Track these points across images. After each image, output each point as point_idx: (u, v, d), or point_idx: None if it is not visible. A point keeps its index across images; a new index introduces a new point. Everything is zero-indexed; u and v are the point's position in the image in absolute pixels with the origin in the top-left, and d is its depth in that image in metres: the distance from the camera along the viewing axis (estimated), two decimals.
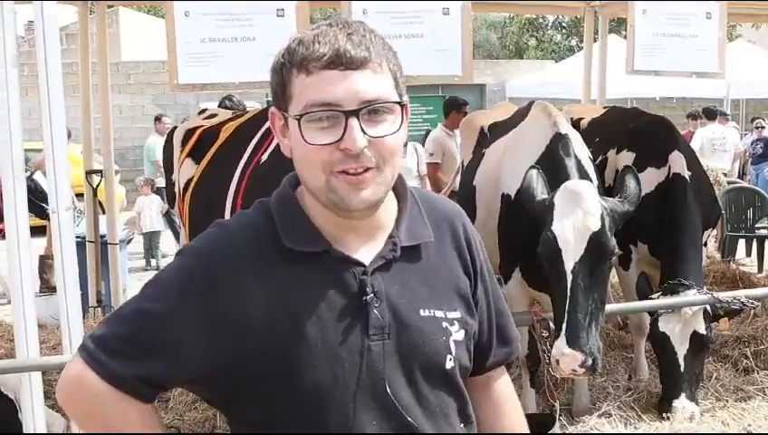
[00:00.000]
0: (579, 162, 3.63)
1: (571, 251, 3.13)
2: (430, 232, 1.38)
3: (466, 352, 1.38)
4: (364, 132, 1.23)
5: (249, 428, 1.32)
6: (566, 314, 3.10)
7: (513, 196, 3.73)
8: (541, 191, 3.33)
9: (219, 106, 7.55)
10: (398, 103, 1.28)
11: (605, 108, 5.31)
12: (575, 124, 4.54)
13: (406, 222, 1.36)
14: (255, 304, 1.26)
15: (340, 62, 1.23)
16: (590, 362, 3.05)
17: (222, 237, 1.33)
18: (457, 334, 1.35)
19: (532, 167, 3.43)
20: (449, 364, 1.34)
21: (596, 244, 3.13)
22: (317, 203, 1.30)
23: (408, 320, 1.31)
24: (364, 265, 1.30)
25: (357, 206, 1.27)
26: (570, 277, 3.12)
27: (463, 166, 5.13)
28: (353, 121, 1.22)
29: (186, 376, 1.29)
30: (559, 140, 3.67)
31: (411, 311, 1.32)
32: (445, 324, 1.34)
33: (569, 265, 3.13)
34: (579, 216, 3.14)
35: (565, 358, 3.04)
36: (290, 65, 1.26)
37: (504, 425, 1.50)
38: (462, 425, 1.38)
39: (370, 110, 1.24)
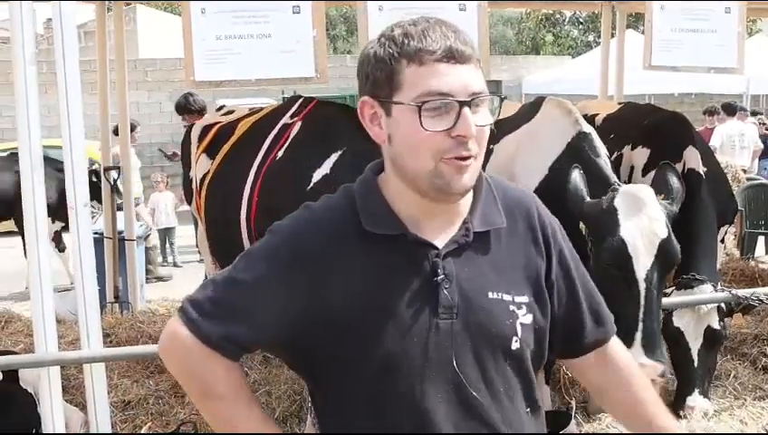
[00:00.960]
0: (606, 164, 3.55)
1: (642, 258, 3.03)
2: (503, 218, 1.46)
3: (534, 335, 1.44)
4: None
5: (326, 396, 1.45)
6: (641, 323, 3.00)
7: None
8: (586, 193, 3.23)
9: (177, 106, 7.54)
10: (500, 98, 1.42)
11: (620, 104, 5.28)
12: (590, 120, 4.50)
13: (480, 208, 1.45)
14: (335, 280, 1.38)
15: (452, 56, 1.33)
16: (667, 371, 3.00)
17: (308, 217, 1.45)
18: (525, 318, 1.42)
19: (575, 167, 3.33)
20: (515, 345, 1.41)
21: (665, 250, 3.05)
22: (403, 188, 1.40)
23: (476, 301, 1.39)
24: (437, 248, 1.40)
25: (458, 190, 1.37)
26: (643, 285, 3.02)
27: None
28: (466, 110, 1.33)
29: (265, 339, 1.44)
30: (584, 139, 3.59)
31: (480, 293, 1.40)
32: (512, 308, 1.41)
33: (641, 272, 3.03)
34: (645, 222, 3.05)
35: (646, 369, 2.91)
36: (399, 56, 1.34)
37: (632, 394, 1.57)
38: (528, 409, 1.45)
39: (476, 101, 1.34)
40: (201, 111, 7.13)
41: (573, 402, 3.68)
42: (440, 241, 1.41)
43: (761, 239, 8.04)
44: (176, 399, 4.25)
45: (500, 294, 1.41)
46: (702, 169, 4.15)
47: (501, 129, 4.52)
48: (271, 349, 1.57)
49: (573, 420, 3.59)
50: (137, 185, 8.07)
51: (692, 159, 4.16)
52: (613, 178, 3.41)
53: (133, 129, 8.08)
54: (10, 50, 3.08)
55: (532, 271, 1.47)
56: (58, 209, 7.88)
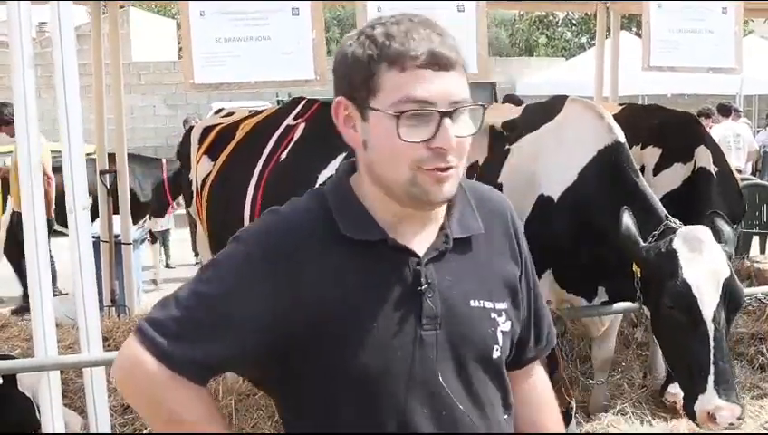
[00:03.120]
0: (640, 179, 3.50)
1: (708, 299, 2.98)
2: (480, 224, 1.41)
3: (510, 342, 1.42)
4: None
5: (301, 411, 1.34)
6: (712, 366, 2.92)
7: (556, 198, 3.59)
8: (638, 235, 3.17)
9: None
10: (482, 106, 1.32)
11: (621, 105, 5.29)
12: None
13: (457, 214, 1.39)
14: (311, 288, 1.29)
15: (436, 62, 1.25)
16: (743, 413, 2.92)
17: (278, 222, 1.35)
18: (504, 325, 1.39)
19: (625, 209, 3.24)
20: (496, 354, 1.38)
21: (731, 291, 2.99)
22: (380, 194, 1.33)
23: (458, 310, 1.34)
24: (419, 256, 1.34)
25: (438, 200, 1.31)
26: (711, 326, 2.95)
27: (477, 165, 5.07)
28: (447, 121, 1.26)
29: (240, 358, 1.32)
30: (621, 151, 3.51)
31: (462, 302, 1.35)
32: (493, 315, 1.38)
33: (707, 313, 2.97)
34: (708, 264, 3.01)
35: (723, 412, 2.86)
36: (379, 58, 1.26)
37: (541, 420, 1.54)
38: (506, 416, 1.42)
39: (458, 110, 1.28)
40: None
41: (573, 403, 3.67)
42: (420, 248, 1.35)
43: (755, 239, 8.07)
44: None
45: (481, 301, 1.37)
46: (713, 169, 4.16)
47: (515, 129, 4.45)
48: (240, 366, 1.41)
49: (574, 421, 3.60)
50: None
51: (703, 158, 4.17)
52: (661, 209, 3.35)
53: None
54: (5, 54, 3.07)
55: (509, 276, 1.43)
56: (155, 207, 7.93)
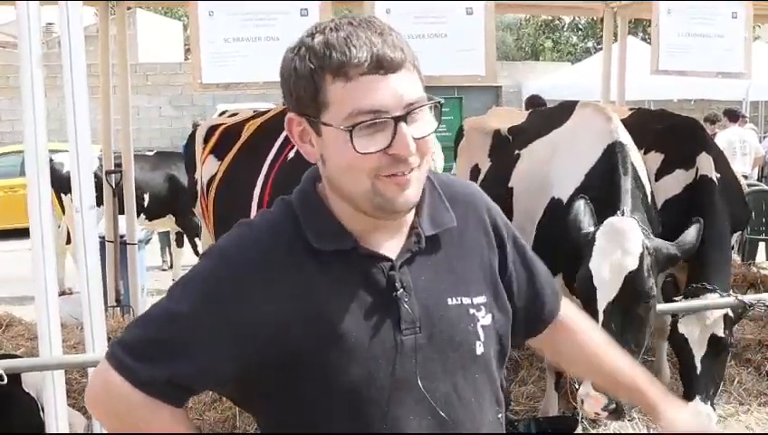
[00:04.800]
0: (636, 180, 3.52)
1: (606, 290, 3.05)
2: (452, 216, 1.37)
3: (495, 334, 1.38)
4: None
5: (283, 427, 1.31)
6: None
7: (565, 200, 3.61)
8: (588, 223, 3.25)
9: None
10: (439, 102, 1.27)
11: (631, 110, 5.28)
12: None
13: (427, 210, 1.35)
14: (285, 306, 1.25)
15: (381, 66, 1.20)
16: (613, 406, 2.95)
17: (248, 237, 1.32)
18: (484, 319, 1.35)
19: (580, 197, 3.34)
20: (479, 350, 1.34)
21: (631, 284, 3.04)
22: (344, 205, 1.29)
23: (436, 311, 1.31)
24: (391, 260, 1.30)
25: (402, 207, 1.27)
26: (601, 317, 3.03)
27: (478, 169, 5.06)
28: (403, 127, 1.21)
29: (215, 379, 1.29)
30: (618, 151, 3.55)
31: (439, 301, 1.32)
32: (472, 311, 1.34)
33: (602, 304, 3.05)
34: (617, 254, 3.07)
35: (588, 399, 2.96)
36: (321, 71, 1.21)
37: (595, 349, 1.60)
38: (498, 415, 1.40)
39: (413, 111, 1.22)
40: None
41: (580, 408, 3.65)
42: (392, 252, 1.31)
43: (761, 245, 8.04)
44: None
45: (459, 298, 1.33)
46: (715, 176, 4.13)
47: (525, 134, 4.44)
48: (217, 387, 1.37)
49: (580, 425, 3.58)
50: None
51: (705, 165, 4.15)
52: (624, 201, 3.39)
53: None
54: (10, 54, 3.06)
55: (487, 266, 1.40)
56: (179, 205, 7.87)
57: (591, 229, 3.23)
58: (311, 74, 1.22)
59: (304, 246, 1.28)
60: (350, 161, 1.22)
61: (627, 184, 3.46)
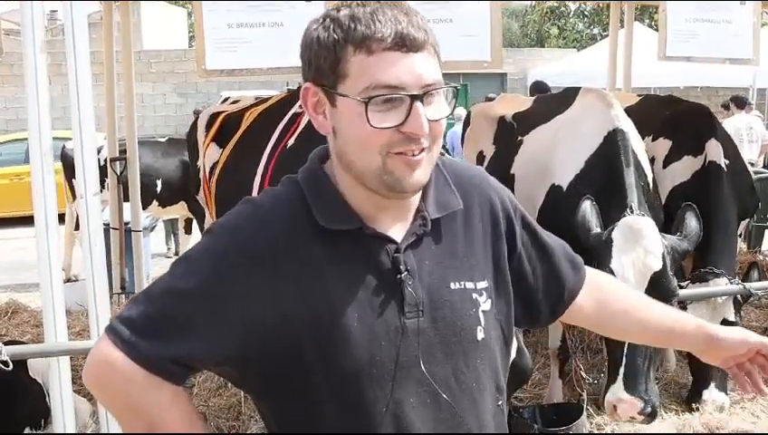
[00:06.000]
0: (637, 169, 3.49)
1: None
2: (459, 200, 1.37)
3: (495, 319, 1.38)
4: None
5: (285, 409, 1.31)
6: (624, 358, 2.94)
7: (564, 187, 3.60)
8: (596, 224, 3.20)
9: None
10: (456, 88, 1.28)
11: (639, 96, 5.25)
12: None
13: (433, 193, 1.35)
14: (290, 283, 1.25)
15: (404, 43, 1.21)
16: (649, 409, 2.91)
17: (253, 214, 1.31)
18: (485, 305, 1.35)
19: (587, 198, 3.28)
20: (480, 335, 1.34)
21: (657, 285, 2.98)
22: (353, 182, 1.29)
23: (439, 295, 1.31)
24: (396, 242, 1.30)
25: (411, 187, 1.27)
26: None
27: (483, 155, 5.05)
28: (418, 105, 1.21)
29: (218, 356, 1.26)
30: (618, 138, 3.52)
31: (442, 285, 1.32)
32: (474, 296, 1.34)
33: None
34: (639, 254, 3.01)
35: (623, 404, 2.91)
36: (345, 42, 1.22)
37: (637, 313, 1.60)
38: (499, 402, 1.39)
39: (429, 93, 1.23)
40: None
41: (585, 395, 3.66)
42: (397, 234, 1.31)
43: (767, 233, 8.01)
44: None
45: (462, 282, 1.33)
46: (723, 162, 4.12)
47: (527, 120, 4.43)
48: (219, 366, 1.33)
49: (585, 412, 3.58)
50: None
51: (714, 151, 4.13)
52: (631, 197, 3.34)
53: None
54: (14, 42, 3.05)
55: (492, 251, 1.40)
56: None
57: (598, 230, 3.18)
58: (333, 45, 1.23)
59: (311, 223, 1.28)
60: (362, 135, 1.22)
61: (630, 178, 3.42)
